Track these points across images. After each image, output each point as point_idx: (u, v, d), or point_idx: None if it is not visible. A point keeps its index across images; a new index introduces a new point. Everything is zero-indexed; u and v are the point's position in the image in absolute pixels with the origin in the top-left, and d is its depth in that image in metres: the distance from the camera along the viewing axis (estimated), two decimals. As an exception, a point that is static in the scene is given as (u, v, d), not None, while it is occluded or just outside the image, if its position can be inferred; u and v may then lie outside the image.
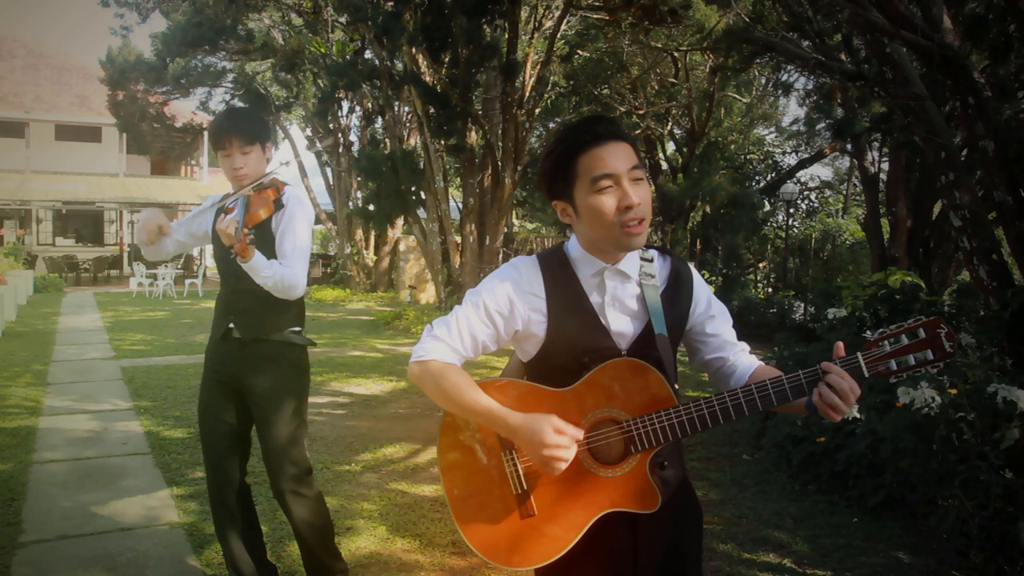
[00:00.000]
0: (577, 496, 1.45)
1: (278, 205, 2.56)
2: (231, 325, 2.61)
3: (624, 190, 1.42)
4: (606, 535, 1.49)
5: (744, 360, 1.59)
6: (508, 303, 1.48)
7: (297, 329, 2.67)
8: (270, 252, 2.55)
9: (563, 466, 1.37)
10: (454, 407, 1.46)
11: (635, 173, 1.44)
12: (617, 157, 1.43)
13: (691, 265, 1.63)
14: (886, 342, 1.41)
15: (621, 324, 1.50)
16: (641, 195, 1.44)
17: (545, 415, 1.39)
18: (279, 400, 2.60)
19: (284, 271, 2.48)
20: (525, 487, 1.46)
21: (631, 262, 1.52)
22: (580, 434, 1.40)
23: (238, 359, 2.61)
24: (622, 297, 1.51)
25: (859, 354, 1.41)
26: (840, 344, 1.43)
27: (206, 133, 23.11)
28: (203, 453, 2.72)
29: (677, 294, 1.55)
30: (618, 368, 1.45)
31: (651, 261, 1.55)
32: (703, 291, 1.59)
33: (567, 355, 1.47)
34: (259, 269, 2.43)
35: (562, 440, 1.37)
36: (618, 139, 1.44)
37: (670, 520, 1.53)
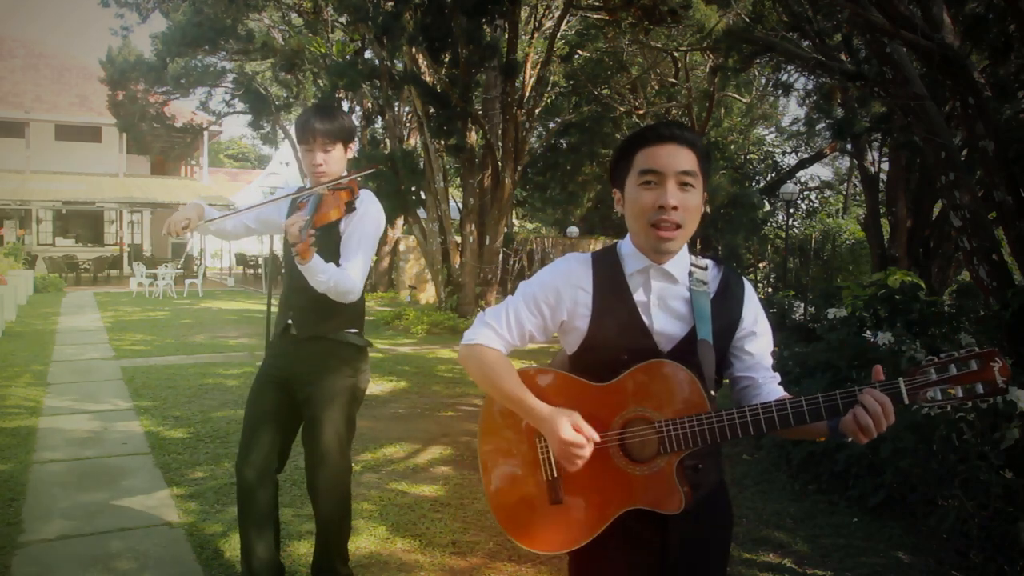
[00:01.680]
0: (604, 489, 1.48)
1: (349, 208, 2.54)
2: (289, 321, 2.63)
3: (665, 189, 1.44)
4: (636, 530, 1.51)
5: (771, 387, 1.58)
6: (556, 294, 1.54)
7: (354, 330, 2.67)
8: (334, 253, 2.54)
9: (579, 461, 1.43)
10: (492, 391, 1.54)
11: (685, 178, 1.45)
12: (670, 158, 1.45)
13: (746, 280, 1.63)
14: (932, 370, 1.35)
15: (665, 326, 1.51)
16: (684, 200, 1.45)
17: (568, 411, 1.46)
18: (329, 399, 2.61)
19: (340, 276, 2.46)
20: (556, 474, 1.50)
21: (679, 265, 1.53)
22: (595, 436, 1.45)
23: (293, 356, 2.63)
24: (668, 299, 1.52)
25: (901, 380, 1.37)
26: (879, 367, 1.41)
27: (206, 133, 23.20)
28: (240, 441, 2.71)
29: (726, 303, 1.55)
30: (656, 369, 1.47)
31: (705, 269, 1.55)
32: (753, 307, 1.59)
33: (607, 351, 1.50)
34: (315, 272, 2.42)
35: (576, 438, 1.43)
36: (681, 143, 1.47)
37: (701, 521, 1.54)
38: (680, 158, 1.45)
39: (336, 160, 2.58)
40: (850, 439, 1.41)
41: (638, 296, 1.52)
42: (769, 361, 1.61)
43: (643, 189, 1.46)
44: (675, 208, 1.43)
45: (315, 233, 2.37)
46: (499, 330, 1.55)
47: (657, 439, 1.45)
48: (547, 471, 1.51)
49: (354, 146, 2.68)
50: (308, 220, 2.36)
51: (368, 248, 2.58)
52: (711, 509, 1.58)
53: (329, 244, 2.55)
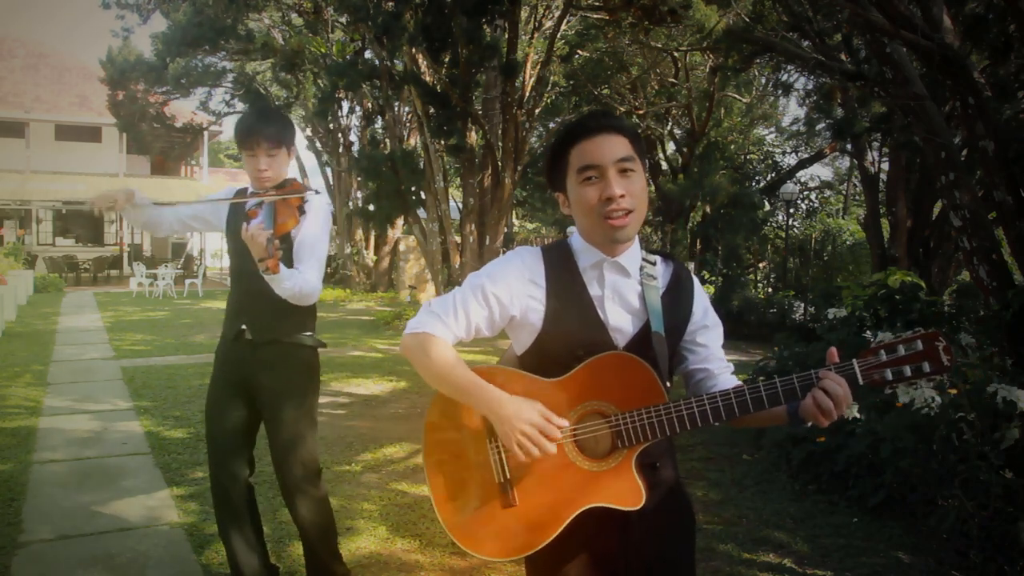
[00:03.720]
0: (560, 489, 1.43)
1: (301, 212, 2.53)
2: (243, 327, 2.59)
3: (608, 181, 1.43)
4: (596, 535, 1.48)
5: (727, 377, 1.58)
6: (507, 288, 1.49)
7: (309, 333, 2.66)
8: (288, 256, 2.52)
9: (535, 451, 1.37)
10: (439, 381, 1.46)
11: (624, 164, 1.44)
12: (604, 149, 1.44)
13: (694, 275, 1.63)
14: (883, 351, 1.40)
15: (619, 320, 1.49)
16: (628, 187, 1.44)
17: (532, 400, 1.41)
18: (290, 401, 2.60)
19: (302, 280, 2.44)
20: (508, 476, 1.45)
21: (631, 259, 1.51)
22: (565, 423, 1.40)
23: (250, 360, 2.60)
24: (622, 292, 1.51)
25: (855, 361, 1.40)
26: (833, 350, 1.43)
27: (206, 133, 23.20)
28: (208, 451, 2.71)
29: (678, 298, 1.55)
30: (611, 362, 1.44)
31: (654, 264, 1.55)
32: (702, 300, 1.59)
33: (562, 347, 1.46)
34: (282, 279, 2.40)
35: (546, 425, 1.38)
36: (610, 131, 1.45)
37: (662, 523, 1.52)
38: (614, 146, 1.44)
39: (280, 164, 2.54)
40: (810, 423, 1.42)
41: (593, 290, 1.50)
42: (722, 353, 1.61)
43: (585, 186, 1.44)
44: (622, 196, 1.42)
45: (281, 247, 2.35)
46: (446, 320, 1.47)
47: (613, 433, 1.43)
48: (499, 473, 1.45)
49: (296, 149, 2.64)
50: (272, 233, 2.33)
51: (322, 249, 2.56)
52: (672, 513, 1.56)
53: (284, 249, 2.52)
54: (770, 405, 1.40)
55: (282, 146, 2.53)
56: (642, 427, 1.41)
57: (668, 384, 1.48)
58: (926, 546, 3.44)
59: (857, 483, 3.96)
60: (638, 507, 1.42)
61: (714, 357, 1.59)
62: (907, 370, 1.39)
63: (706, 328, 1.58)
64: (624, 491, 1.42)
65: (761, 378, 5.15)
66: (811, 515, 3.85)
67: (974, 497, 3.23)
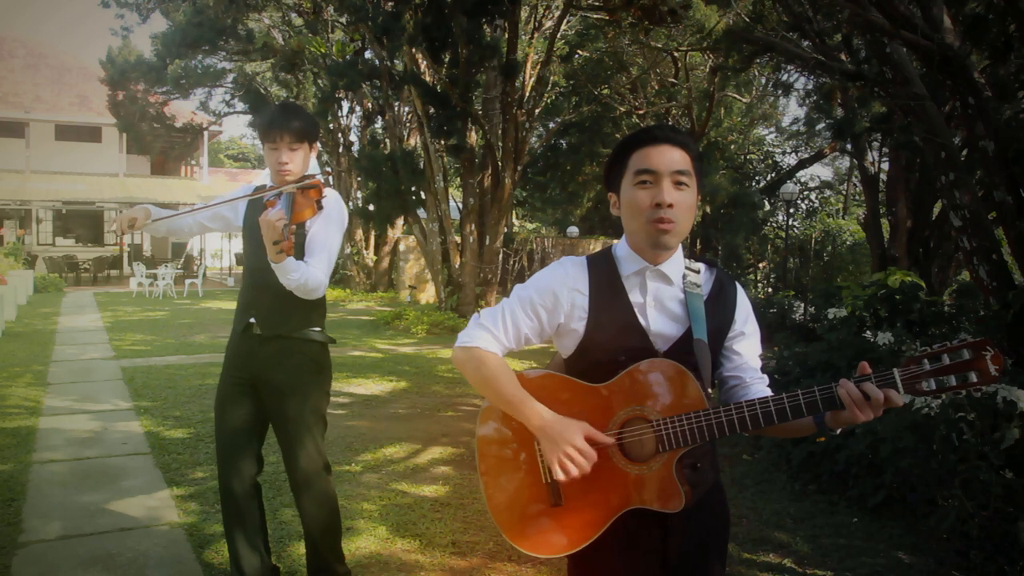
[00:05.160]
0: (604, 490, 1.48)
1: (318, 207, 2.55)
2: (252, 320, 2.62)
3: (661, 188, 1.46)
4: (637, 533, 1.52)
5: (759, 388, 1.59)
6: (552, 297, 1.54)
7: (317, 328, 2.68)
8: (300, 250, 2.54)
9: (575, 472, 1.43)
10: (491, 394, 1.53)
11: (679, 177, 1.47)
12: (664, 158, 1.48)
13: (738, 283, 1.65)
14: (926, 360, 1.37)
15: (661, 326, 1.52)
16: (678, 198, 1.47)
17: (580, 422, 1.46)
18: (299, 397, 2.61)
19: (309, 272, 2.46)
20: (555, 477, 1.49)
21: (674, 266, 1.54)
22: (610, 441, 1.45)
23: (258, 355, 2.62)
24: (664, 299, 1.53)
25: (896, 370, 1.38)
26: (864, 364, 1.42)
27: (206, 133, 23.20)
28: (216, 448, 2.72)
29: (721, 304, 1.57)
30: (653, 368, 1.48)
31: (698, 272, 1.57)
32: (744, 308, 1.61)
33: (604, 352, 1.50)
34: (288, 270, 2.41)
35: (587, 449, 1.43)
36: (674, 144, 1.49)
37: (701, 521, 1.55)
38: (674, 158, 1.48)
39: (302, 159, 2.58)
40: (839, 431, 1.43)
41: (634, 297, 1.53)
42: (757, 363, 1.62)
43: (639, 189, 1.48)
44: (671, 206, 1.45)
45: (296, 231, 2.38)
46: (496, 333, 1.54)
47: (655, 438, 1.46)
48: (546, 474, 1.50)
49: (318, 146, 2.67)
50: (288, 218, 2.36)
51: (334, 246, 2.58)
52: (710, 510, 1.59)
53: (296, 241, 2.54)
54: (808, 412, 1.41)
55: (304, 141, 2.56)
56: (683, 432, 1.44)
57: (709, 391, 1.50)
58: (926, 546, 3.44)
59: (857, 483, 3.96)
60: (679, 510, 1.46)
61: (747, 367, 1.60)
62: (952, 380, 1.34)
63: (743, 336, 1.60)
64: (665, 493, 1.46)
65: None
66: (811, 515, 3.85)
67: (974, 497, 3.23)
